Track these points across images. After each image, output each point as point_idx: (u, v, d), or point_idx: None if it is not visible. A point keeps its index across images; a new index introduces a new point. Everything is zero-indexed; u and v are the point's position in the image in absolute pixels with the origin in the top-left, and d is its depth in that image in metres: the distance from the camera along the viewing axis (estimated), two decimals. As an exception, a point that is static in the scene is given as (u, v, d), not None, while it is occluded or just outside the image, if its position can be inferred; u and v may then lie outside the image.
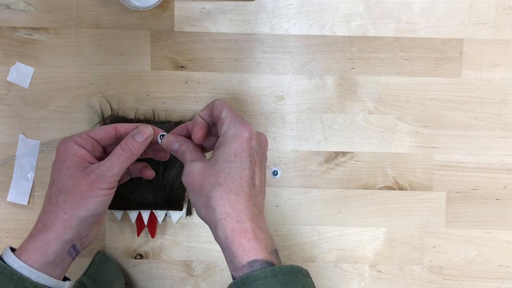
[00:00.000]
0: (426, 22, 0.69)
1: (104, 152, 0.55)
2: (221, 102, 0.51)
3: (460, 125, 0.71)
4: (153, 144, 0.54)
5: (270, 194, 0.71)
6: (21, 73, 0.68)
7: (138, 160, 0.55)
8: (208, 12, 0.69)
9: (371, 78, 0.70)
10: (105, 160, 0.52)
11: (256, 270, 0.44)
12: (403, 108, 0.70)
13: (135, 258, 0.71)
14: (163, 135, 0.54)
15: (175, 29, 0.69)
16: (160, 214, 0.69)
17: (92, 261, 0.69)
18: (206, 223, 0.49)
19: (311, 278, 0.49)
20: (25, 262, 0.48)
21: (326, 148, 0.70)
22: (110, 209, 0.69)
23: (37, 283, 0.48)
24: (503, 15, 0.69)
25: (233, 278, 0.46)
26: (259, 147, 0.49)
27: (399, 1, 0.69)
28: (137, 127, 0.54)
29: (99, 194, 0.50)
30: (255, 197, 0.48)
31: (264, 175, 0.50)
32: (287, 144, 0.70)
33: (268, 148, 0.70)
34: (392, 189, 0.71)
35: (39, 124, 0.69)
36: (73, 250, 0.52)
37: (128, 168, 0.56)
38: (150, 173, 0.58)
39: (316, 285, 0.47)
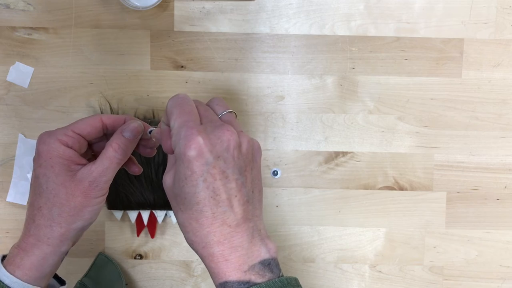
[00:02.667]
0: (427, 22, 0.69)
1: (89, 147, 0.51)
2: (173, 103, 0.44)
3: (460, 125, 0.71)
4: (140, 139, 0.51)
5: (270, 194, 0.71)
6: (20, 73, 0.68)
7: None
8: (208, 11, 0.68)
9: (371, 78, 0.70)
10: (96, 164, 0.47)
11: None
12: (403, 108, 0.70)
13: (135, 258, 0.71)
14: (151, 130, 0.51)
15: (175, 29, 0.69)
16: (160, 214, 0.69)
17: (94, 263, 0.69)
18: None
19: (300, 286, 0.45)
20: (20, 279, 0.46)
21: (326, 148, 0.70)
22: (110, 209, 0.69)
23: None
24: (504, 15, 0.69)
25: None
26: (216, 156, 0.41)
27: (399, 0, 0.69)
28: (124, 119, 0.50)
29: (95, 202, 0.48)
30: (222, 215, 0.41)
31: (236, 179, 0.42)
32: (287, 144, 0.70)
33: (268, 148, 0.70)
34: (392, 189, 0.71)
35: (39, 124, 0.69)
36: (65, 255, 0.50)
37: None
38: (137, 169, 0.53)
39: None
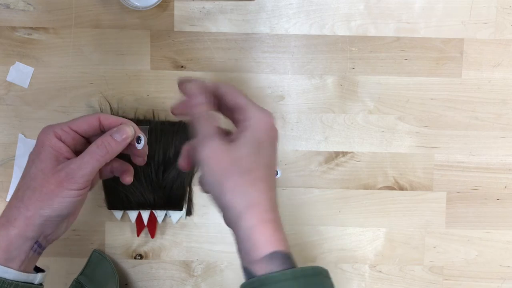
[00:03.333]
0: (427, 22, 0.69)
1: (87, 143, 0.51)
2: (235, 88, 0.48)
3: (460, 125, 0.71)
4: (132, 146, 0.52)
5: (270, 194, 0.71)
6: (20, 73, 0.68)
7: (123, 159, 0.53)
8: (208, 11, 0.68)
9: (371, 78, 0.70)
10: (77, 158, 0.48)
11: (276, 272, 0.42)
12: (403, 108, 0.70)
13: (135, 258, 0.71)
14: (139, 138, 0.51)
15: (175, 29, 0.69)
16: (160, 214, 0.69)
17: (89, 260, 0.69)
18: (224, 211, 0.45)
19: (330, 278, 0.46)
20: None
21: (326, 148, 0.70)
22: (110, 209, 0.69)
23: (5, 278, 0.46)
24: (504, 15, 0.69)
25: (246, 271, 0.43)
26: (277, 137, 0.48)
27: (399, 0, 0.69)
28: (121, 122, 0.51)
29: (68, 195, 0.47)
30: (275, 187, 0.46)
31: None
32: (287, 144, 0.70)
33: (268, 148, 0.70)
34: (392, 189, 0.71)
35: (39, 124, 0.69)
36: (38, 247, 0.49)
37: (111, 165, 0.53)
38: (127, 179, 0.55)
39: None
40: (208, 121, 0.46)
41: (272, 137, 0.46)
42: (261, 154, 0.45)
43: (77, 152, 0.50)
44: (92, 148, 0.48)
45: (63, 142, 0.49)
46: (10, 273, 0.46)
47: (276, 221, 0.44)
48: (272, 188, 0.45)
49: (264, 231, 0.43)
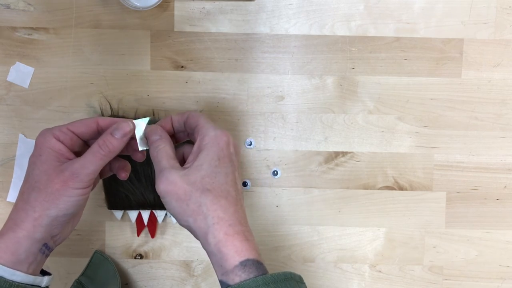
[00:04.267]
0: (426, 22, 0.69)
1: (85, 146, 0.53)
2: (197, 113, 0.52)
3: (460, 125, 0.71)
4: (131, 141, 0.52)
5: (270, 194, 0.71)
6: (21, 73, 0.68)
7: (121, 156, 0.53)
8: (208, 12, 0.69)
9: (371, 78, 0.70)
10: (80, 158, 0.49)
11: (248, 280, 0.44)
12: (403, 108, 0.70)
13: (135, 258, 0.71)
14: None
15: (175, 29, 0.69)
16: (160, 214, 0.69)
17: (90, 261, 0.69)
18: (192, 231, 0.48)
19: (304, 283, 0.48)
20: None
21: (326, 148, 0.70)
22: (110, 209, 0.69)
23: (12, 281, 0.46)
24: (503, 15, 0.69)
25: (222, 284, 0.46)
26: (236, 153, 0.50)
27: (399, 1, 0.69)
28: (118, 122, 0.52)
29: (73, 194, 0.48)
30: (240, 201, 0.48)
31: (239, 174, 0.50)
32: (287, 144, 0.70)
33: (268, 148, 0.70)
34: (392, 189, 0.71)
35: (39, 124, 0.69)
36: (46, 249, 0.49)
37: (109, 164, 0.53)
38: (123, 175, 0.55)
39: (316, 285, 0.47)
40: (161, 154, 0.49)
41: (228, 154, 0.48)
42: (219, 173, 0.47)
43: (76, 154, 0.51)
44: (94, 147, 0.49)
45: (62, 142, 0.50)
46: (18, 276, 0.47)
47: (244, 232, 0.46)
48: (235, 203, 0.47)
49: (232, 243, 0.45)
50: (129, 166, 0.56)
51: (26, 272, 0.48)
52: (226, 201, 0.46)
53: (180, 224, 0.49)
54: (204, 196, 0.46)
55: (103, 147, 0.49)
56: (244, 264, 0.44)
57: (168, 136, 0.52)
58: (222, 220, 0.46)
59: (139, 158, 0.55)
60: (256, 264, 0.45)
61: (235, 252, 0.45)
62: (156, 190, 0.48)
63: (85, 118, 0.52)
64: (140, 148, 0.53)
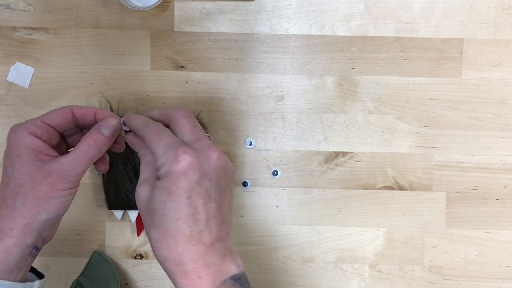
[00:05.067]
0: (426, 22, 0.69)
1: (61, 138, 0.49)
2: (150, 130, 0.44)
3: (460, 125, 0.71)
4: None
5: (270, 194, 0.71)
6: (21, 73, 0.68)
7: None
8: (208, 12, 0.69)
9: (371, 78, 0.70)
10: (68, 158, 0.45)
11: None
12: (403, 108, 0.70)
13: (135, 258, 0.71)
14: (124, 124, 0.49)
15: (175, 29, 0.69)
16: (160, 214, 0.69)
17: (89, 261, 0.69)
18: None
19: None
20: None
21: (326, 148, 0.70)
22: (110, 209, 0.69)
23: None
24: (503, 15, 0.69)
25: None
26: (203, 175, 0.42)
27: (399, 1, 0.69)
28: (95, 112, 0.48)
29: (62, 195, 0.46)
30: (199, 234, 0.42)
31: (216, 199, 0.43)
32: (287, 144, 0.70)
33: (268, 148, 0.70)
34: (392, 189, 0.71)
35: (39, 124, 0.69)
36: (35, 251, 0.47)
37: None
38: (103, 168, 0.52)
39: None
40: (143, 164, 0.45)
41: (184, 186, 0.41)
42: (168, 209, 0.41)
43: (53, 147, 0.48)
44: (83, 147, 0.46)
45: (39, 138, 0.46)
46: (6, 286, 0.45)
47: (196, 270, 0.42)
48: (188, 241, 0.42)
49: (180, 281, 0.42)
50: (107, 158, 0.53)
51: (15, 280, 0.45)
52: (173, 241, 0.41)
53: None
54: (152, 232, 0.42)
55: (93, 147, 0.46)
56: None
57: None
58: (167, 260, 0.42)
59: (118, 149, 0.51)
60: None
61: None
62: None
63: (57, 108, 0.48)
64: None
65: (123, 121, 0.48)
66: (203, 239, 0.42)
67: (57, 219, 0.47)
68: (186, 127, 0.45)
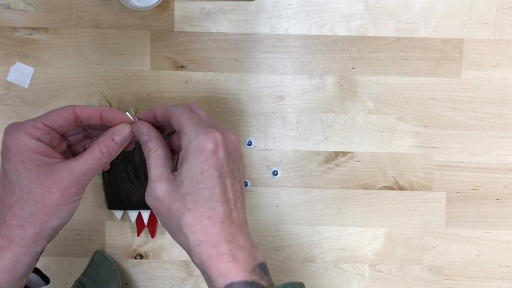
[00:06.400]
0: (426, 22, 0.69)
1: (62, 138, 0.47)
2: (180, 110, 0.45)
3: (460, 125, 0.71)
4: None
5: (270, 194, 0.71)
6: (21, 73, 0.68)
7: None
8: (208, 12, 0.69)
9: (371, 78, 0.70)
10: (79, 162, 0.44)
11: None
12: (403, 108, 0.70)
13: (135, 258, 0.71)
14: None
15: (175, 29, 0.69)
16: (160, 214, 0.69)
17: (91, 261, 0.69)
18: (180, 245, 0.44)
19: None
20: None
21: (326, 148, 0.70)
22: (110, 209, 0.69)
23: None
24: (503, 15, 0.69)
25: None
26: (228, 155, 0.43)
27: (399, 1, 0.69)
28: (100, 111, 0.46)
29: (73, 200, 0.44)
30: (230, 213, 0.42)
31: (239, 181, 0.44)
32: (287, 144, 0.70)
33: (268, 148, 0.70)
34: (392, 189, 0.71)
35: (39, 124, 0.69)
36: (40, 254, 0.46)
37: (84, 146, 0.49)
38: (105, 166, 0.50)
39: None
40: (151, 161, 0.44)
41: (215, 163, 0.42)
42: (202, 188, 0.41)
43: (54, 147, 0.46)
44: (96, 153, 0.45)
45: (41, 141, 0.44)
46: None
47: (232, 251, 0.42)
48: (222, 220, 0.42)
49: (215, 266, 0.41)
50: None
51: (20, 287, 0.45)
52: (208, 221, 0.41)
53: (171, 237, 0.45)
54: (184, 218, 0.41)
55: (106, 154, 0.45)
56: (228, 287, 0.41)
57: (158, 134, 0.46)
58: (204, 243, 0.41)
59: (129, 147, 0.50)
60: (243, 286, 0.41)
61: (219, 275, 0.41)
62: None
63: (59, 108, 0.46)
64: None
65: (137, 116, 0.47)
66: (234, 220, 0.42)
67: (66, 223, 0.46)
68: (202, 115, 0.46)
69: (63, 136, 0.47)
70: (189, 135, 0.42)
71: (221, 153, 0.42)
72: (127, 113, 0.47)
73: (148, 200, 0.43)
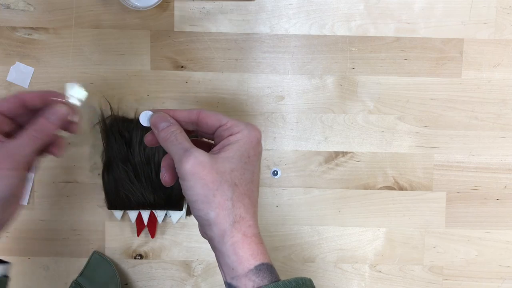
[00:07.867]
0: (426, 22, 0.69)
1: (13, 124, 0.50)
2: (211, 111, 0.48)
3: (460, 125, 0.71)
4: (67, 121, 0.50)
5: (270, 194, 0.71)
6: (21, 73, 0.68)
7: None
8: (208, 12, 0.69)
9: (371, 78, 0.70)
10: (15, 139, 0.46)
11: (261, 287, 0.42)
12: (403, 108, 0.70)
13: (135, 258, 0.71)
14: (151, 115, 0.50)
15: (175, 29, 0.69)
16: (160, 214, 0.69)
17: (88, 262, 0.69)
18: (207, 226, 0.44)
19: (314, 286, 0.47)
20: None
21: (326, 148, 0.70)
22: (110, 209, 0.69)
23: None
24: (503, 15, 0.69)
25: (230, 287, 0.43)
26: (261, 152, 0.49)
27: (399, 1, 0.69)
28: (41, 94, 0.49)
29: (7, 174, 0.45)
30: (257, 202, 0.46)
31: (259, 176, 0.49)
32: (287, 144, 0.70)
33: (268, 148, 0.70)
34: (392, 189, 0.71)
35: (39, 124, 0.69)
36: None
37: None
38: (55, 151, 0.51)
39: (316, 285, 0.46)
40: (181, 137, 0.46)
41: (258, 153, 0.47)
42: (247, 169, 0.45)
43: (6, 135, 0.48)
44: (31, 132, 0.47)
45: None
46: None
47: (259, 235, 0.45)
48: (255, 203, 0.46)
49: (249, 245, 0.43)
50: (63, 142, 0.52)
51: None
52: (249, 200, 0.44)
53: (196, 214, 0.44)
54: (232, 190, 0.43)
55: (39, 132, 0.47)
56: (259, 268, 0.43)
57: (177, 122, 0.48)
58: (243, 220, 0.43)
59: (73, 130, 0.51)
60: (270, 269, 0.43)
61: (251, 255, 0.43)
62: (178, 170, 0.44)
63: (7, 97, 0.49)
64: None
65: (151, 117, 0.49)
66: (257, 209, 0.47)
67: (4, 201, 0.46)
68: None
69: (14, 122, 0.49)
70: (237, 125, 0.47)
71: (261, 145, 0.48)
72: (68, 88, 0.50)
73: (189, 166, 0.43)
